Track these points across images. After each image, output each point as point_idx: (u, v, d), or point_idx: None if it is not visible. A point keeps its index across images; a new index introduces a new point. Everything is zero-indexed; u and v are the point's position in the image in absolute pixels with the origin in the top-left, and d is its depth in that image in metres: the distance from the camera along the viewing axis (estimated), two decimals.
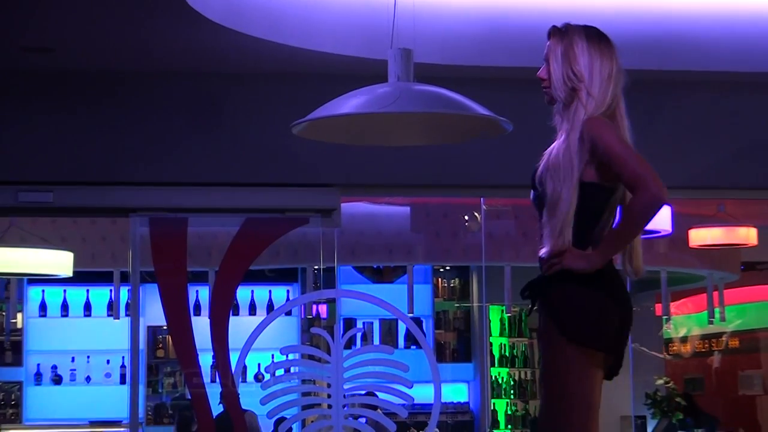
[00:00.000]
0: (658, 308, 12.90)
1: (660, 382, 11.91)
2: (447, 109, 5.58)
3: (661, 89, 7.55)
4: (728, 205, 10.14)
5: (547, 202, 3.71)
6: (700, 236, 10.82)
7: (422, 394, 7.31)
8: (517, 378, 12.61)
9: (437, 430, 10.21)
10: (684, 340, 15.16)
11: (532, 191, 3.77)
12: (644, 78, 7.25)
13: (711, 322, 13.24)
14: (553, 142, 3.78)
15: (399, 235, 10.25)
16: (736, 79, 7.67)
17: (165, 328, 10.56)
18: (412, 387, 6.62)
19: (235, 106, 7.78)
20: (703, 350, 15.59)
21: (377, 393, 6.75)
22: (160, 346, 11.55)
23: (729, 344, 15.02)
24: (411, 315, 9.90)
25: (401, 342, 11.86)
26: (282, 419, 6.61)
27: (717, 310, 12.31)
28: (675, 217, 9.92)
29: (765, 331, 12.55)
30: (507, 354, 12.65)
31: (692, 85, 7.78)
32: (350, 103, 5.49)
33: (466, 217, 10.03)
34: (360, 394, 6.75)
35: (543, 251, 3.70)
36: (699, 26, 7.26)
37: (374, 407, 6.85)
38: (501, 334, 12.71)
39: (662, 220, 9.93)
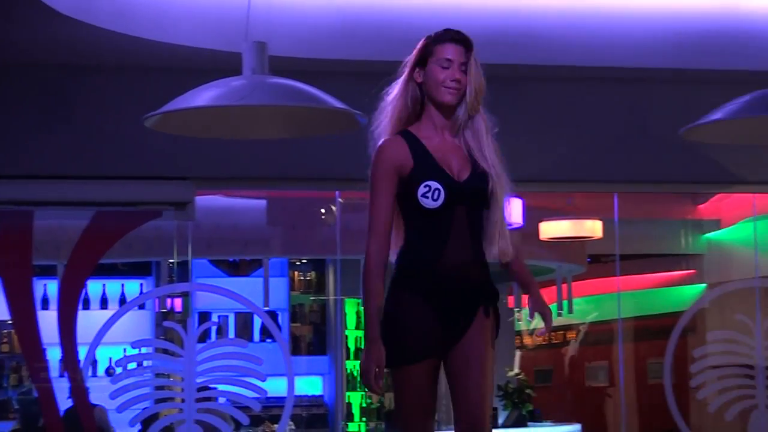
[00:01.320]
0: (510, 300, 13.12)
1: (511, 374, 12.11)
2: (301, 102, 5.60)
3: (511, 84, 7.68)
4: (576, 198, 10.37)
5: (496, 202, 3.84)
6: (550, 229, 11.05)
7: (277, 387, 7.33)
8: None
9: (291, 422, 10.23)
10: (533, 332, 15.44)
11: (476, 189, 3.81)
12: (496, 73, 7.37)
13: (560, 314, 13.53)
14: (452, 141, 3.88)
15: (255, 228, 10.22)
16: (584, 74, 7.84)
17: (9, 322, 10.33)
18: (265, 380, 6.64)
19: (87, 99, 7.67)
20: (553, 342, 15.91)
21: (230, 386, 6.75)
22: (5, 340, 11.31)
23: (571, 336, 15.37)
24: (266, 308, 9.89)
25: (257, 335, 11.82)
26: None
27: (566, 302, 12.57)
28: (526, 211, 10.11)
29: (610, 323, 12.88)
30: (363, 347, 12.69)
31: (541, 80, 7.93)
32: (204, 95, 5.48)
33: (323, 210, 10.05)
34: (213, 388, 6.74)
35: (495, 251, 3.83)
36: (547, 21, 7.40)
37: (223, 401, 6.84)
38: (357, 327, 12.75)
39: (513, 213, 10.13)
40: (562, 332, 15.67)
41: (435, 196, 3.76)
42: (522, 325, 14.64)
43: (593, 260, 12.79)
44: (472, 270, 3.81)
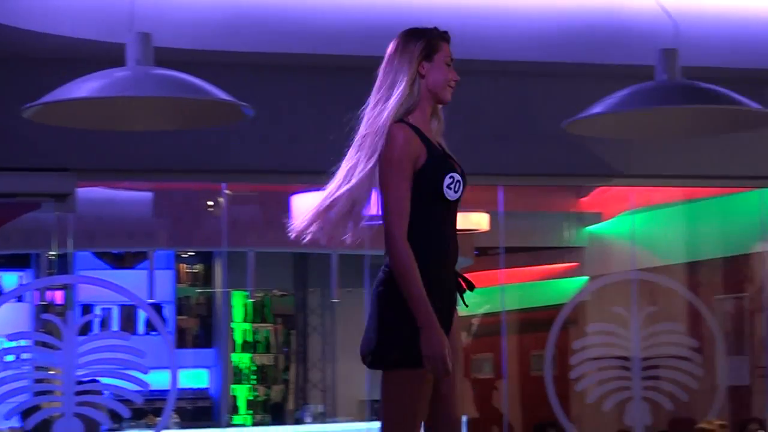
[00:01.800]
0: None
1: None
2: (185, 93, 5.58)
3: None
4: None
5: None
6: None
7: (162, 380, 7.29)
8: (259, 363, 12.67)
9: (176, 415, 10.18)
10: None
11: (461, 189, 3.78)
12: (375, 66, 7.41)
13: None
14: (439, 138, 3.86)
15: (140, 220, 10.14)
16: (469, 67, 7.88)
17: None
18: (147, 373, 6.60)
19: None
20: None
21: (112, 379, 6.69)
22: None
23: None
24: (151, 301, 9.82)
25: (141, 328, 11.73)
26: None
27: None
28: None
29: (496, 316, 13.02)
30: (250, 339, 12.69)
31: None
32: (86, 86, 5.43)
33: (210, 203, 10.01)
34: (96, 381, 6.68)
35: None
36: (434, 14, 7.44)
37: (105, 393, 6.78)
38: (244, 320, 12.74)
39: None
40: None
41: (456, 188, 3.72)
42: None
43: (481, 253, 12.92)
44: (455, 263, 3.81)
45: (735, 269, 11.64)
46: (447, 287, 3.73)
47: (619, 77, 6.72)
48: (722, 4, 7.47)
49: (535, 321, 12.47)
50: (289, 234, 3.81)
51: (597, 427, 8.71)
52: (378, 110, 3.76)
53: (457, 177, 3.73)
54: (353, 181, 3.74)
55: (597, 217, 11.91)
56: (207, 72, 5.92)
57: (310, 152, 7.48)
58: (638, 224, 10.16)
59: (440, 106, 3.87)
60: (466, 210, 10.98)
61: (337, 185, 3.79)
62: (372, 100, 3.82)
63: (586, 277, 11.82)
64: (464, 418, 12.34)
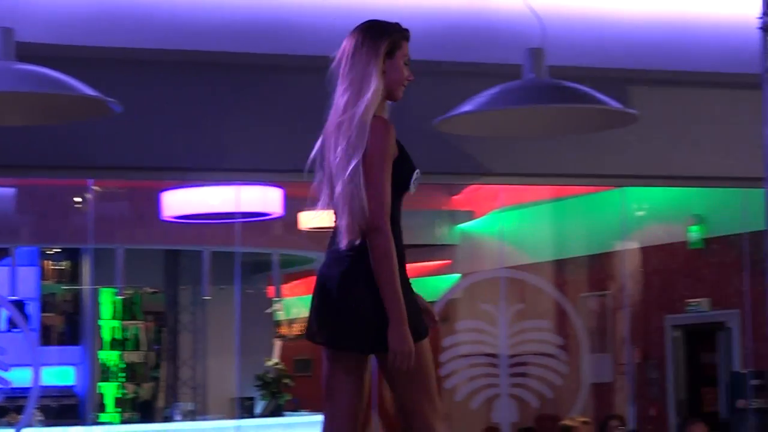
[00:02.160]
0: (271, 290, 13.17)
1: (270, 363, 12.16)
2: (50, 89, 5.49)
3: (267, 74, 7.68)
4: None
5: None
6: (310, 219, 11.13)
7: (24, 377, 7.17)
8: (128, 361, 12.53)
9: (39, 413, 9.99)
10: (290, 322, 15.54)
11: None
12: (254, 62, 7.37)
13: None
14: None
15: (2, 216, 9.94)
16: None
17: None
18: (8, 370, 6.49)
19: None
20: None
21: None
22: None
23: None
24: (13, 298, 9.64)
25: (3, 325, 11.50)
26: None
27: None
28: (286, 200, 10.17)
29: None
30: (119, 337, 12.54)
31: (297, 71, 7.95)
32: None
33: (77, 199, 9.86)
34: None
35: None
36: (303, 12, 7.43)
37: None
38: (113, 317, 12.59)
39: (273, 203, 10.17)
40: None
41: (416, 184, 3.79)
42: (282, 315, 14.71)
43: None
44: None
45: (598, 267, 11.88)
46: (409, 285, 3.79)
47: (487, 76, 6.78)
48: (588, 5, 7.59)
49: None
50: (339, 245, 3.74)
51: (465, 425, 8.80)
52: (354, 104, 3.76)
53: (419, 172, 3.81)
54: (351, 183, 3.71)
55: (469, 215, 12.03)
56: (74, 67, 5.82)
57: (179, 149, 7.42)
58: (508, 222, 10.29)
59: (389, 102, 3.89)
60: None
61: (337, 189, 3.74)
62: (340, 91, 3.82)
63: (458, 275, 11.94)
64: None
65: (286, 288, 14.22)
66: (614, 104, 6.15)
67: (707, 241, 11.21)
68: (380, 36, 3.83)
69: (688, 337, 11.69)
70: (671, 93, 7.89)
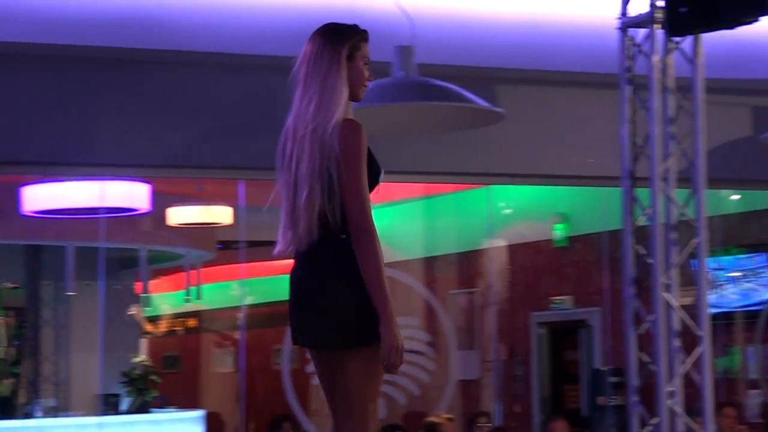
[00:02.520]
0: (138, 286, 13.01)
1: (137, 360, 12.02)
2: None
3: (138, 68, 7.58)
4: (206, 184, 10.37)
5: None
6: (179, 215, 11.01)
7: None
8: None
9: None
10: (157, 318, 15.39)
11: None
12: (118, 57, 7.26)
13: (188, 301, 13.51)
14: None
15: None
16: (211, 60, 7.84)
17: None
18: None
19: None
20: (179, 328, 15.89)
21: None
22: None
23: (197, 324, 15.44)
24: None
25: None
26: None
27: (194, 288, 12.58)
28: (154, 196, 10.03)
29: (238, 310, 12.99)
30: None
31: (170, 65, 7.87)
32: None
33: None
34: None
35: None
36: (174, 7, 7.35)
37: None
38: None
39: (140, 198, 10.03)
40: (187, 319, 15.70)
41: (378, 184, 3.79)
42: (149, 311, 14.54)
43: (225, 246, 12.86)
44: None
45: (467, 265, 11.98)
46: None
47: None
48: (457, 4, 7.64)
49: (276, 315, 12.50)
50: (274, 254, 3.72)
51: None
52: (325, 110, 3.71)
53: (383, 172, 3.83)
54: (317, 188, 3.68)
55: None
56: None
57: (41, 143, 7.27)
58: (377, 220, 10.31)
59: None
60: (208, 203, 10.90)
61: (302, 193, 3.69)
62: (305, 97, 3.76)
63: None
64: (202, 412, 12.29)
65: (153, 284, 14.06)
66: (481, 103, 6.20)
67: (571, 240, 11.40)
68: (341, 40, 3.82)
69: (552, 335, 11.87)
70: (537, 92, 7.98)
